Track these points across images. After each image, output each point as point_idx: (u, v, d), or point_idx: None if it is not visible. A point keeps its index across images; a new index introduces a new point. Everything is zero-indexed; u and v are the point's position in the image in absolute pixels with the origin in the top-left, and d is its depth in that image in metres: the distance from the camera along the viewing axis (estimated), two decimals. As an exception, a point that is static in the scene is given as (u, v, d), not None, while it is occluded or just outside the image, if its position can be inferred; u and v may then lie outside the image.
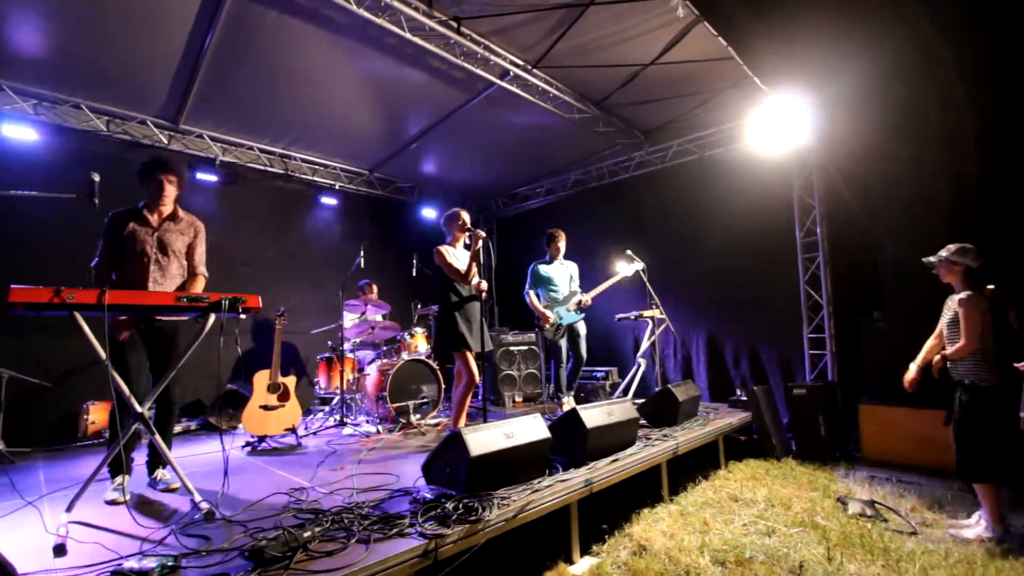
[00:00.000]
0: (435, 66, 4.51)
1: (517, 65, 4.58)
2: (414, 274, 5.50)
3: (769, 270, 5.49)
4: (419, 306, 5.97)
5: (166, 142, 5.36)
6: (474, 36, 4.19)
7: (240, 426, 4.56)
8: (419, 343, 5.42)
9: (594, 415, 3.14)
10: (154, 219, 2.99)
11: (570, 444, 3.08)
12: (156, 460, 2.99)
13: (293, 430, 4.17)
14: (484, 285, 3.80)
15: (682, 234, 6.16)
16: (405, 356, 5.05)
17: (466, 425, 3.42)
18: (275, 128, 5.65)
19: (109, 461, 2.59)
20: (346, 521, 2.15)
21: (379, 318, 5.76)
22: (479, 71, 4.45)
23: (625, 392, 5.06)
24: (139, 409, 2.50)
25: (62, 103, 4.70)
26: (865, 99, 4.49)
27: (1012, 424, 2.71)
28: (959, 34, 3.76)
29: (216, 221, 5.63)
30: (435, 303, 5.10)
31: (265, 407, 4.10)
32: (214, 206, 5.78)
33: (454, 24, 3.98)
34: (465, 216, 3.93)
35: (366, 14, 3.69)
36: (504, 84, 4.71)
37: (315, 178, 6.59)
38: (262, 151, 6.01)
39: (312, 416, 5.47)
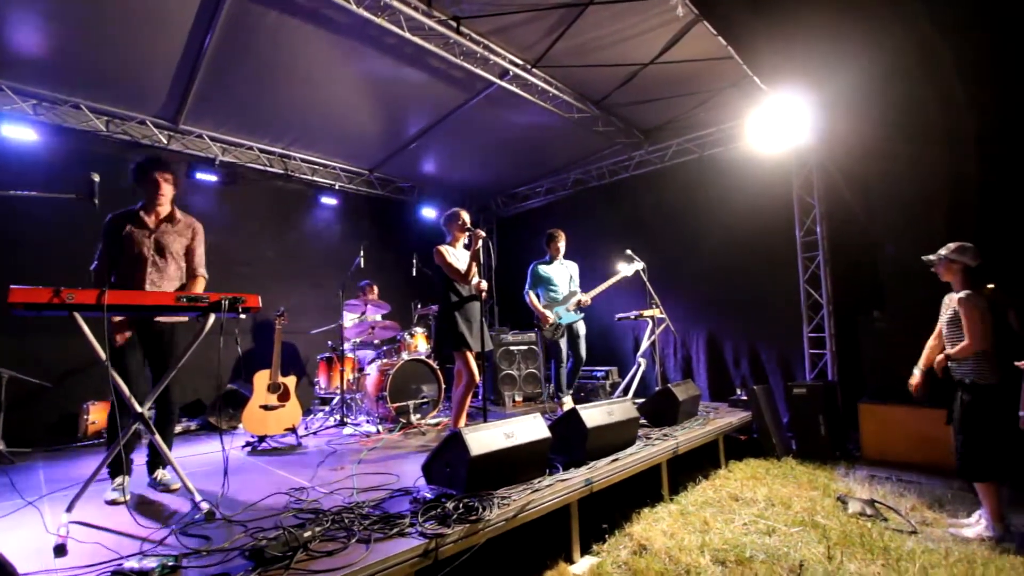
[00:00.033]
0: (435, 66, 4.51)
1: (516, 65, 4.57)
2: (414, 274, 5.50)
3: (769, 269, 5.49)
4: (419, 306, 5.97)
5: (166, 142, 5.36)
6: (473, 36, 4.19)
7: (240, 426, 4.56)
8: (419, 343, 5.42)
9: (594, 415, 3.14)
10: (151, 221, 2.98)
11: (570, 444, 3.08)
12: (156, 460, 2.98)
13: (293, 430, 4.17)
14: (484, 285, 3.80)
15: (682, 233, 6.16)
16: (405, 356, 5.05)
17: (466, 425, 3.42)
18: (275, 128, 5.65)
19: (109, 462, 2.59)
20: (346, 521, 2.15)
21: (379, 318, 5.76)
22: (478, 71, 4.45)
23: (625, 392, 5.06)
24: (139, 409, 2.50)
25: (62, 103, 4.69)
26: (865, 98, 4.49)
27: (1013, 423, 2.71)
28: (959, 34, 3.76)
29: (216, 221, 5.66)
30: (435, 303, 5.10)
31: (265, 407, 4.10)
32: (214, 206, 5.79)
33: (453, 24, 3.98)
34: (465, 216, 3.93)
35: (365, 14, 3.69)
36: (503, 84, 4.71)
37: (315, 178, 6.59)
38: (262, 151, 6.01)
39: (312, 416, 5.48)
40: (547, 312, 4.77)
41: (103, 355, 2.38)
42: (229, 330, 5.23)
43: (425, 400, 4.96)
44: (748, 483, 3.83)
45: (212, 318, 2.56)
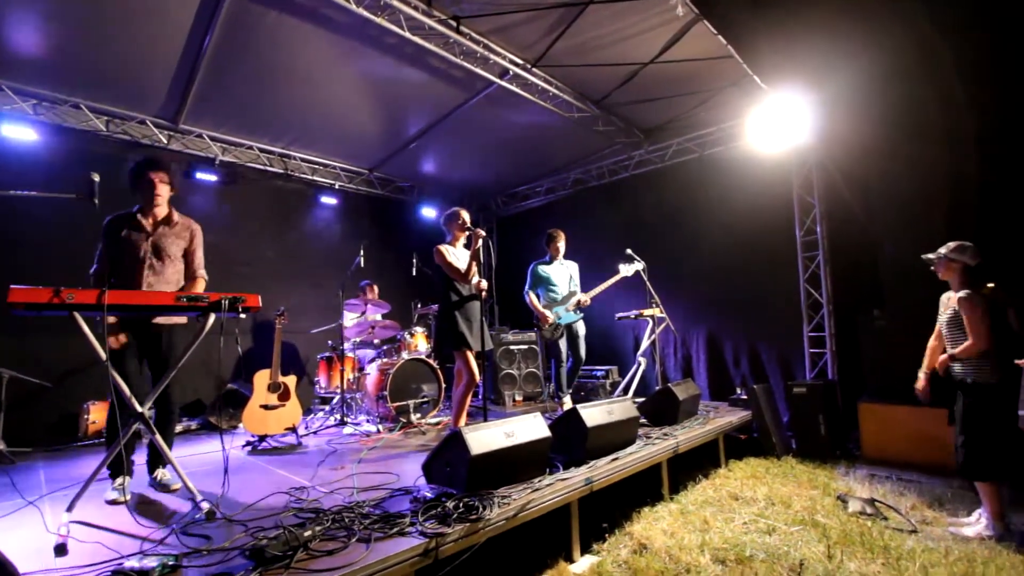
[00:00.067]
0: (434, 65, 4.51)
1: (516, 64, 4.57)
2: (414, 273, 5.50)
3: (769, 269, 5.49)
4: (419, 305, 5.97)
5: (165, 142, 5.36)
6: (473, 35, 4.19)
7: (240, 426, 4.56)
8: (419, 342, 5.42)
9: (594, 414, 3.14)
10: (148, 223, 2.96)
11: (570, 443, 3.08)
12: (156, 460, 2.98)
13: (293, 429, 4.17)
14: (484, 284, 3.80)
15: (682, 233, 6.15)
16: (405, 355, 5.05)
17: (466, 424, 3.42)
18: (275, 127, 5.65)
19: (109, 462, 2.59)
20: (347, 520, 2.15)
21: (379, 317, 5.76)
22: (478, 70, 4.45)
23: (625, 391, 5.06)
24: (139, 409, 2.50)
25: (61, 103, 4.69)
26: (865, 97, 4.49)
27: (1013, 422, 2.71)
28: (959, 34, 3.76)
29: (216, 221, 5.67)
30: (435, 302, 5.10)
31: (265, 406, 4.10)
32: (214, 206, 5.79)
33: (453, 23, 3.98)
34: (465, 215, 3.93)
35: (365, 13, 3.69)
36: (503, 83, 4.71)
37: (315, 177, 6.59)
38: (262, 150, 6.01)
39: (312, 415, 5.48)
40: (546, 312, 4.77)
41: (103, 355, 2.38)
42: (229, 330, 5.25)
43: (425, 399, 4.96)
44: (748, 482, 3.83)
45: (212, 318, 2.56)
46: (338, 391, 5.20)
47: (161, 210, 3.01)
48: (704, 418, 4.40)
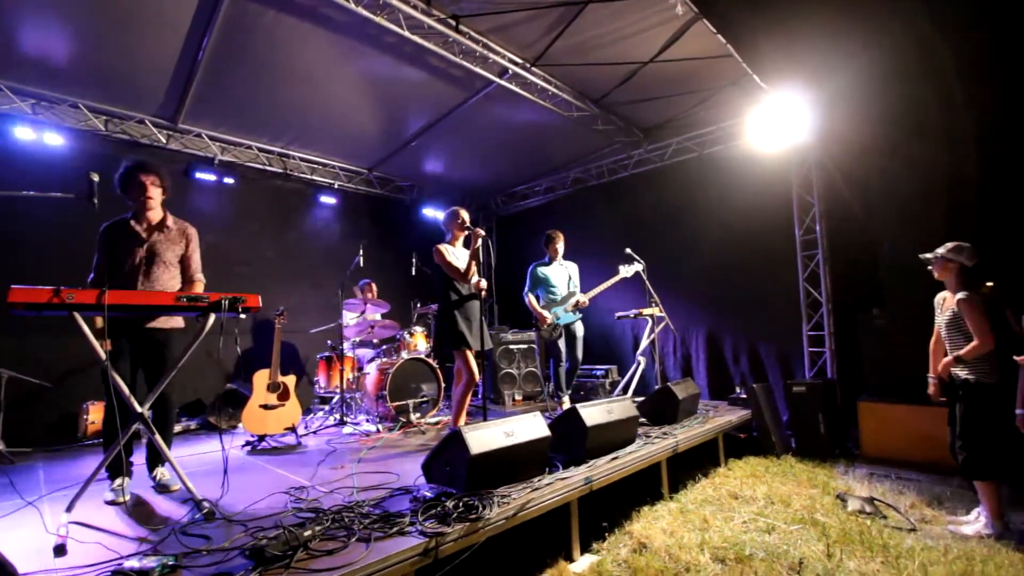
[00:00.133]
0: (434, 64, 4.50)
1: (516, 63, 4.57)
2: (413, 273, 5.50)
3: (768, 268, 5.49)
4: (419, 305, 5.97)
5: (164, 141, 5.35)
6: (472, 34, 4.19)
7: (240, 425, 4.56)
8: (419, 342, 5.42)
9: (594, 413, 3.15)
10: (143, 229, 2.92)
11: (570, 442, 3.08)
12: (155, 458, 2.98)
13: (293, 429, 4.17)
14: (484, 284, 3.80)
15: (681, 232, 6.15)
16: (405, 355, 5.05)
17: (466, 423, 3.42)
18: (274, 127, 5.64)
19: (109, 463, 2.59)
20: (346, 520, 2.15)
21: (378, 317, 5.76)
22: (478, 69, 4.45)
23: (625, 390, 5.06)
24: (139, 409, 2.50)
25: (60, 103, 4.69)
26: (864, 97, 4.49)
27: (1012, 421, 2.71)
28: (959, 34, 3.76)
29: (215, 221, 5.67)
30: (435, 302, 5.10)
31: (265, 406, 4.10)
32: (213, 205, 5.78)
33: (452, 22, 3.98)
34: (464, 214, 3.93)
35: (364, 12, 3.68)
36: (503, 82, 4.70)
37: (314, 177, 6.58)
38: (261, 150, 6.01)
39: (312, 415, 5.48)
40: (545, 312, 4.78)
41: (103, 355, 2.38)
42: (229, 330, 5.24)
43: (425, 399, 4.96)
44: (748, 481, 3.83)
45: (212, 318, 2.56)
46: (337, 391, 5.20)
47: (155, 214, 2.97)
48: (703, 417, 4.41)
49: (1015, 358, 2.66)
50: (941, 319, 3.08)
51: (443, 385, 5.13)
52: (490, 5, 3.84)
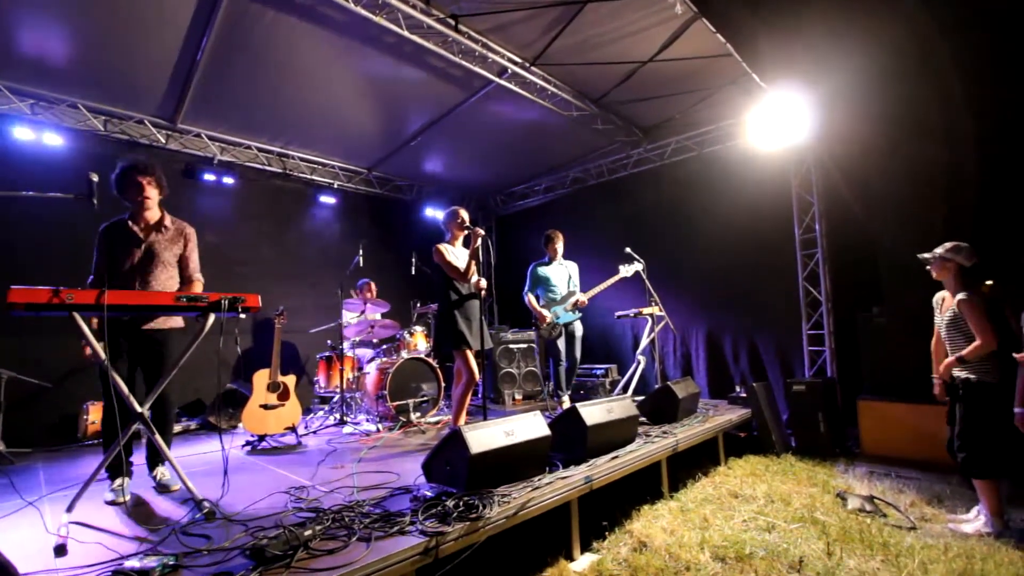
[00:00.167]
0: (433, 64, 4.50)
1: (515, 63, 4.57)
2: (413, 272, 5.50)
3: (768, 267, 5.49)
4: (418, 304, 5.97)
5: (164, 141, 5.35)
6: (472, 33, 4.19)
7: (240, 425, 4.56)
8: (418, 341, 5.42)
9: (594, 412, 3.15)
10: (140, 230, 2.92)
11: (570, 441, 3.08)
12: (155, 457, 2.98)
13: (293, 429, 4.18)
14: (483, 283, 3.80)
15: (681, 231, 6.16)
16: (405, 354, 5.05)
17: (466, 423, 3.42)
18: (273, 127, 5.64)
19: (108, 463, 2.59)
20: (347, 519, 2.16)
21: (378, 316, 5.76)
22: (477, 69, 4.44)
23: (625, 389, 5.07)
24: (139, 409, 2.49)
25: (59, 103, 4.68)
26: (864, 96, 4.49)
27: (1011, 420, 2.71)
28: (959, 33, 3.76)
29: (214, 220, 5.67)
30: (434, 301, 5.10)
31: (265, 406, 4.10)
32: (212, 205, 5.78)
33: (452, 21, 3.97)
34: (464, 214, 3.93)
35: (363, 12, 3.68)
36: (502, 82, 4.70)
37: (313, 177, 6.58)
38: (260, 150, 6.00)
39: (312, 415, 5.48)
40: (544, 311, 4.78)
41: (103, 355, 2.38)
42: (229, 330, 5.25)
43: (425, 398, 4.96)
44: (748, 480, 3.83)
45: (212, 318, 2.55)
46: (337, 390, 5.20)
47: (152, 214, 2.97)
48: (703, 416, 4.41)
49: (1014, 355, 2.66)
50: (940, 319, 3.07)
51: (443, 385, 5.13)
52: (489, 4, 3.84)
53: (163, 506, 2.66)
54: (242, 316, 2.59)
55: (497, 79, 4.66)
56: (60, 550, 2.01)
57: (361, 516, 2.20)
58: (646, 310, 4.94)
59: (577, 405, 3.13)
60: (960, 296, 2.89)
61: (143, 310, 2.64)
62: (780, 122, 4.69)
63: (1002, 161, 4.03)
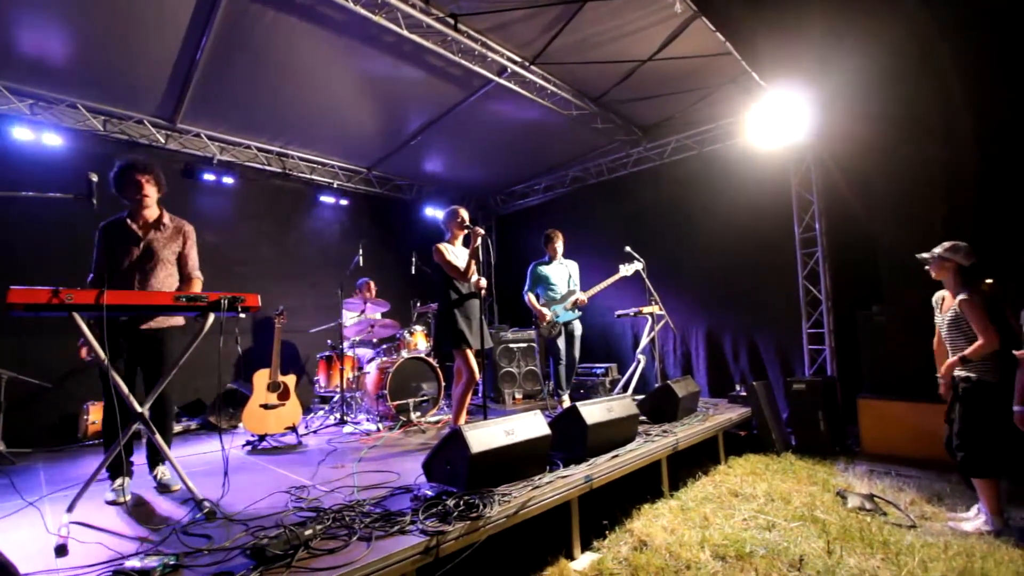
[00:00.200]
0: (433, 63, 4.50)
1: (514, 62, 4.56)
2: (413, 272, 5.50)
3: (768, 266, 5.49)
4: (418, 304, 5.97)
5: (163, 141, 5.34)
6: (471, 33, 4.18)
7: (240, 425, 4.56)
8: (419, 341, 5.42)
9: (594, 411, 3.15)
10: (139, 228, 2.92)
11: (570, 440, 3.09)
12: (155, 456, 2.98)
13: (293, 429, 4.18)
14: (483, 282, 3.80)
15: (681, 230, 6.15)
16: (405, 354, 5.06)
17: (466, 422, 3.42)
18: (273, 126, 5.63)
19: (109, 463, 2.59)
20: (347, 519, 2.16)
21: (378, 316, 5.76)
22: (477, 68, 4.44)
23: (625, 388, 5.07)
24: (139, 409, 2.49)
25: (58, 103, 4.68)
26: (864, 94, 4.49)
27: (1010, 419, 2.71)
28: (959, 33, 3.76)
29: (214, 220, 5.67)
30: (434, 301, 5.10)
31: (265, 406, 4.10)
32: (212, 205, 5.78)
33: (451, 21, 3.97)
34: (464, 213, 3.93)
35: (363, 11, 3.68)
36: (502, 81, 4.70)
37: (313, 176, 6.57)
38: (260, 149, 6.00)
39: (312, 414, 5.48)
40: (544, 310, 4.79)
41: (102, 355, 2.38)
42: (229, 329, 5.25)
43: (425, 398, 4.97)
44: (748, 479, 3.84)
45: (211, 317, 2.55)
46: (338, 390, 5.20)
47: (150, 212, 2.97)
48: (704, 415, 4.41)
49: (1014, 352, 2.66)
50: (941, 319, 3.07)
51: (443, 384, 5.13)
52: (488, 3, 3.83)
53: (164, 506, 2.66)
54: (242, 316, 2.58)
55: (497, 78, 4.65)
56: (61, 550, 2.01)
57: (362, 515, 2.20)
58: (646, 309, 4.94)
59: (577, 404, 3.13)
60: (961, 296, 2.89)
61: (143, 310, 2.64)
62: (780, 121, 4.68)
63: (1002, 161, 4.03)
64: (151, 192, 2.93)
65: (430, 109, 5.42)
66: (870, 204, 4.80)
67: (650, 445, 3.45)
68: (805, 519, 3.02)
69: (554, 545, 2.73)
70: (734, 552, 2.63)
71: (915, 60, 4.04)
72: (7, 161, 4.50)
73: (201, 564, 1.85)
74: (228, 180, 5.79)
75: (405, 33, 3.91)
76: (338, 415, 4.93)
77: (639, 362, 5.08)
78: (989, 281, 3.06)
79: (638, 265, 4.92)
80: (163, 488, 2.87)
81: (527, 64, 4.64)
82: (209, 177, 5.68)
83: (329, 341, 5.51)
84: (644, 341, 5.13)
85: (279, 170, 6.25)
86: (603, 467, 2.98)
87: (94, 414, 4.47)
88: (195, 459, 3.70)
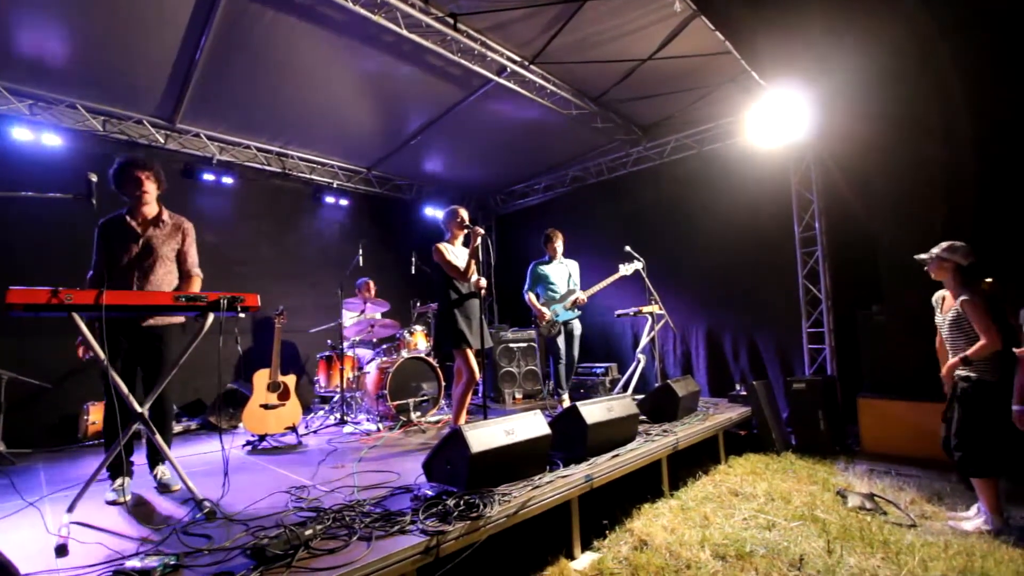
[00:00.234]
0: (432, 63, 4.50)
1: (514, 61, 4.56)
2: (413, 272, 5.50)
3: (768, 265, 5.49)
4: (418, 304, 5.97)
5: (163, 141, 5.34)
6: (471, 32, 4.18)
7: (241, 425, 4.56)
8: (418, 341, 5.42)
9: (594, 411, 3.15)
10: (138, 225, 2.92)
11: (570, 440, 3.09)
12: (156, 456, 2.98)
13: (294, 429, 4.18)
14: (483, 282, 3.80)
15: (681, 229, 6.15)
16: (405, 354, 5.05)
17: (466, 422, 3.42)
18: (272, 126, 5.63)
19: (109, 463, 2.59)
20: (347, 519, 2.16)
21: (378, 316, 5.76)
22: (476, 67, 4.44)
23: (625, 388, 5.07)
24: (139, 409, 2.49)
25: (58, 103, 4.68)
26: (863, 93, 4.49)
27: (1009, 418, 2.71)
28: (959, 33, 3.76)
29: (214, 220, 5.67)
30: (434, 301, 5.11)
31: (265, 406, 4.10)
32: (211, 205, 5.78)
33: (450, 20, 3.97)
34: (463, 213, 3.93)
35: (362, 11, 3.68)
36: (501, 80, 4.70)
37: (313, 176, 6.57)
38: (259, 149, 5.99)
39: (312, 414, 5.48)
40: (544, 309, 4.79)
41: (102, 355, 2.37)
42: (229, 329, 5.26)
43: (425, 398, 4.97)
44: (748, 478, 3.84)
45: (211, 317, 2.55)
46: (338, 390, 5.20)
47: (150, 209, 2.97)
48: (704, 414, 4.41)
49: (1014, 351, 2.66)
50: (942, 319, 3.07)
51: (443, 384, 5.13)
52: (488, 3, 3.83)
53: (164, 506, 2.66)
54: (241, 315, 2.58)
55: (496, 78, 4.65)
56: (61, 550, 2.01)
57: (362, 515, 2.20)
58: (646, 308, 4.94)
59: (577, 404, 3.13)
60: (963, 297, 2.88)
61: (142, 310, 2.64)
62: (779, 120, 4.68)
63: (1002, 161, 4.03)
64: (151, 189, 2.94)
65: (430, 109, 5.42)
66: (870, 204, 4.80)
67: (650, 445, 3.45)
68: (805, 518, 3.02)
69: (554, 545, 2.73)
70: (734, 551, 2.63)
71: (915, 60, 4.04)
72: (7, 161, 4.50)
73: (201, 564, 1.85)
74: (228, 180, 5.78)
75: (404, 33, 3.91)
76: (338, 415, 4.93)
77: (639, 361, 5.08)
78: (988, 280, 3.05)
79: (638, 264, 4.92)
80: (163, 488, 2.87)
81: (527, 63, 4.64)
82: (209, 177, 5.68)
83: (329, 341, 5.51)
84: (644, 340, 5.13)
85: (279, 170, 6.25)
86: (603, 467, 2.98)
87: (94, 414, 4.47)
88: (195, 459, 3.70)
